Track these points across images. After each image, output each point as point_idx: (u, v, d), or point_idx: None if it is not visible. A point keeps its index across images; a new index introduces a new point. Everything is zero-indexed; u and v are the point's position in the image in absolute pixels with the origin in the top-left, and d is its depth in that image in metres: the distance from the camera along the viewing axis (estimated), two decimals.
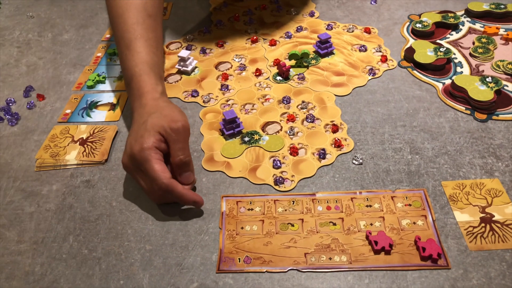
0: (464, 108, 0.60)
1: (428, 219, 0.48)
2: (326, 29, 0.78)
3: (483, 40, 0.70)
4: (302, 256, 0.46)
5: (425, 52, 0.68)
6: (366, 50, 0.72)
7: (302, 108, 0.62)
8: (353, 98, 0.64)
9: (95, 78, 0.70)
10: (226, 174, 0.55)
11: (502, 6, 0.76)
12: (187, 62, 0.69)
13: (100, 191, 0.54)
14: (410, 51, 0.69)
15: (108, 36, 0.81)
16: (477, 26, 0.75)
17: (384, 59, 0.69)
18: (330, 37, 0.70)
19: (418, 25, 0.74)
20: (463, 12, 0.79)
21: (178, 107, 0.54)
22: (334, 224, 0.48)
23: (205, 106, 0.64)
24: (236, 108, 0.63)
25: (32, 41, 0.82)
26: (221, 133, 0.60)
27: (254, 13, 0.83)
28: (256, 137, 0.59)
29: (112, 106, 0.66)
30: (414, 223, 0.48)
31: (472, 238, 0.46)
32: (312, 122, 0.60)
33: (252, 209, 0.50)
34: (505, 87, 0.62)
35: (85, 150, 0.58)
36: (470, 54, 0.69)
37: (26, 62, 0.77)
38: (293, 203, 0.51)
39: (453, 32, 0.74)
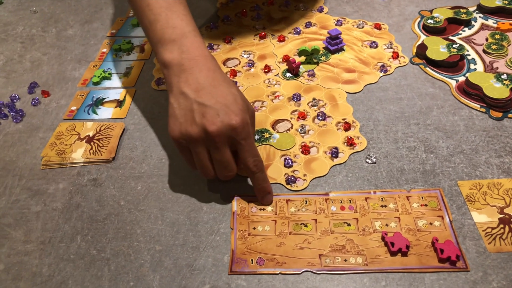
0: (479, 106, 0.59)
1: (445, 220, 0.47)
2: (336, 25, 0.76)
3: (497, 36, 0.69)
4: (317, 257, 0.44)
5: (438, 49, 0.67)
6: (377, 46, 0.71)
7: (313, 106, 0.61)
8: (365, 95, 0.63)
9: (101, 74, 0.69)
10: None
11: None
12: None
13: (107, 189, 0.53)
14: (422, 48, 0.68)
15: (113, 31, 0.80)
16: (490, 22, 0.74)
17: (395, 56, 0.68)
18: (340, 33, 0.68)
19: (429, 21, 0.73)
20: (475, 7, 0.77)
21: None
22: (349, 225, 0.47)
23: None
24: None
25: (36, 37, 0.81)
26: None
27: (262, 9, 0.82)
28: (266, 135, 0.57)
29: (119, 103, 0.64)
30: (431, 223, 0.47)
31: (491, 240, 0.45)
32: (324, 119, 0.59)
33: (264, 209, 0.49)
34: None
35: (91, 148, 0.57)
36: (483, 50, 0.68)
37: (30, 58, 0.75)
38: (306, 203, 0.49)
39: (465, 28, 0.73)
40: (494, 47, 0.67)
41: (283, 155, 0.55)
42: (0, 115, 0.63)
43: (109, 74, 0.69)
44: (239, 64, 0.70)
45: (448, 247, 0.43)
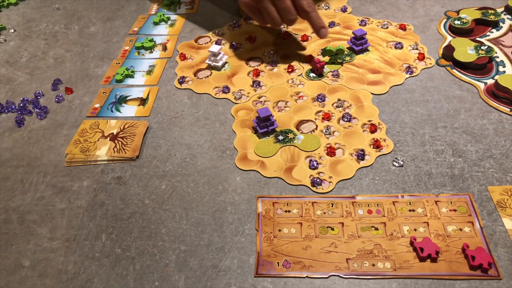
0: (508, 110, 0.58)
1: (475, 226, 0.46)
2: (360, 25, 0.75)
3: None
4: (344, 261, 0.44)
5: (466, 51, 0.65)
6: (402, 47, 0.69)
7: (337, 107, 0.60)
8: (391, 97, 0.62)
9: (124, 72, 0.69)
10: (261, 173, 0.53)
11: None
12: (218, 57, 0.68)
13: (132, 188, 0.53)
14: (449, 49, 0.67)
15: (135, 29, 0.80)
16: None
17: (421, 57, 0.67)
18: (365, 33, 0.67)
19: (456, 22, 0.71)
20: (502, 9, 0.75)
21: None
22: (376, 229, 0.46)
23: (237, 103, 0.63)
24: (268, 105, 0.62)
25: (59, 34, 0.81)
26: (254, 131, 0.58)
27: None
28: (290, 135, 0.57)
29: (142, 101, 0.64)
30: (461, 229, 0.46)
31: None
32: (349, 121, 0.58)
33: (289, 211, 0.49)
34: None
35: (115, 146, 0.57)
36: None
37: (53, 55, 0.76)
38: (332, 206, 0.49)
39: (493, 30, 0.71)
40: None
41: (308, 157, 0.54)
42: (25, 111, 0.64)
43: (132, 72, 0.69)
44: (262, 63, 0.69)
45: (479, 254, 0.42)
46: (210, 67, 0.69)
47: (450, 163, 0.52)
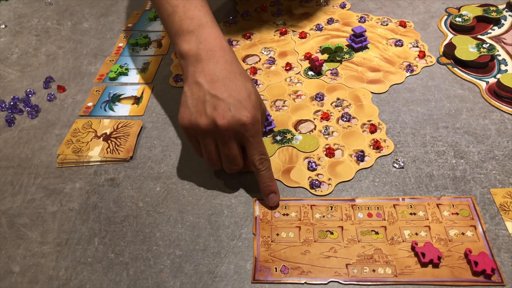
0: (511, 110, 0.57)
1: (478, 230, 0.45)
2: (359, 21, 0.74)
3: None
4: (343, 267, 0.43)
5: (467, 49, 0.64)
6: (402, 45, 0.68)
7: (336, 106, 0.59)
8: (391, 96, 0.60)
9: (118, 69, 0.67)
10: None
11: None
12: None
13: (125, 190, 0.51)
14: (450, 47, 0.65)
15: (130, 25, 0.78)
16: None
17: (422, 55, 0.65)
18: (365, 31, 0.66)
19: (458, 19, 0.70)
20: (504, 5, 0.74)
21: None
22: (377, 233, 0.45)
23: None
24: (266, 104, 0.60)
25: (51, 29, 0.79)
26: None
27: (282, 4, 0.79)
28: (288, 136, 0.55)
29: (136, 100, 0.63)
30: (463, 233, 0.45)
31: None
32: (348, 121, 0.57)
33: (287, 214, 0.47)
34: None
35: (109, 146, 0.55)
36: None
37: (45, 51, 0.74)
38: (331, 209, 0.47)
39: (495, 27, 0.70)
40: None
41: (307, 158, 0.53)
42: (15, 110, 0.62)
43: (126, 69, 0.67)
44: (259, 61, 0.67)
45: (483, 260, 0.41)
46: None
47: (452, 165, 0.51)
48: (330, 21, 0.74)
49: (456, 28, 0.70)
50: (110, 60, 0.70)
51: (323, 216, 0.47)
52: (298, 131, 0.56)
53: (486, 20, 0.71)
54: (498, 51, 0.65)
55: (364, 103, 0.59)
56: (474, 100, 0.59)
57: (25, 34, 0.78)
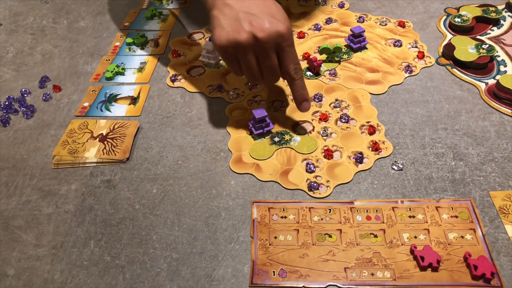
0: (510, 111, 0.56)
1: (477, 233, 0.44)
2: (358, 21, 0.73)
3: None
4: (342, 270, 0.42)
5: (466, 49, 0.64)
6: (401, 45, 0.68)
7: (335, 107, 0.59)
8: (390, 97, 0.60)
9: (114, 69, 0.66)
10: (256, 177, 0.51)
11: None
12: (213, 55, 0.65)
13: (121, 192, 0.51)
14: (449, 48, 0.65)
15: (126, 24, 0.77)
16: None
17: (421, 56, 0.65)
18: (364, 31, 0.65)
19: (457, 19, 0.70)
20: (503, 6, 0.74)
21: None
22: (375, 236, 0.45)
23: (232, 102, 0.61)
24: (264, 105, 0.60)
25: (46, 28, 0.78)
26: (250, 132, 0.56)
27: (280, 3, 0.78)
28: (286, 137, 0.55)
29: (133, 100, 0.62)
30: (462, 237, 0.44)
31: None
32: (347, 122, 0.56)
33: (285, 217, 0.47)
34: None
35: (105, 147, 0.55)
36: None
37: (41, 50, 0.73)
38: (329, 212, 0.47)
39: (494, 28, 0.70)
40: None
41: (305, 159, 0.52)
42: (10, 110, 0.61)
43: (122, 69, 0.67)
44: None
45: (482, 264, 0.41)
46: (204, 65, 0.67)
47: (451, 167, 0.51)
48: (329, 20, 0.73)
49: (455, 29, 0.70)
50: (106, 60, 0.69)
51: (322, 219, 0.46)
52: (297, 132, 0.56)
53: (485, 21, 0.71)
54: (497, 52, 0.65)
55: (362, 104, 0.59)
56: (473, 101, 0.59)
57: (21, 32, 0.77)
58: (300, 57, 0.67)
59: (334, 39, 0.70)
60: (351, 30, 0.66)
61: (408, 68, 0.63)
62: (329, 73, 0.63)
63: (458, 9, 0.73)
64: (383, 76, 0.63)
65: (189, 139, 0.56)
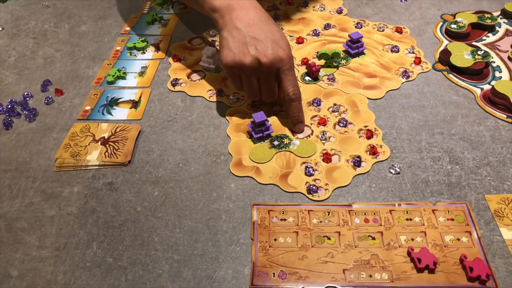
0: (505, 116, 0.57)
1: (473, 236, 0.45)
2: (355, 27, 0.74)
3: None
4: (341, 272, 0.43)
5: (462, 55, 0.65)
6: (398, 51, 0.69)
7: (333, 111, 0.60)
8: (387, 102, 0.61)
9: (116, 73, 0.67)
10: (256, 180, 0.52)
11: None
12: (213, 59, 0.66)
13: (123, 194, 0.51)
14: (445, 54, 0.66)
15: (127, 29, 0.78)
16: None
17: (417, 61, 0.66)
18: (362, 37, 0.67)
19: (453, 25, 0.71)
20: (499, 13, 0.75)
21: None
22: (373, 238, 0.46)
23: (232, 106, 0.61)
24: (263, 109, 0.61)
25: (48, 32, 0.79)
26: (249, 136, 0.57)
27: (279, 9, 0.80)
28: (286, 141, 0.56)
29: (134, 104, 0.63)
30: (458, 239, 0.45)
31: None
32: (345, 126, 0.57)
33: (285, 219, 0.48)
34: None
35: (107, 150, 0.56)
36: (508, 58, 0.66)
37: (42, 54, 0.74)
38: (328, 214, 0.48)
39: (489, 34, 0.71)
40: None
41: (304, 163, 0.53)
42: (13, 113, 0.62)
43: (123, 73, 0.68)
44: None
45: (478, 266, 0.42)
46: (204, 69, 0.68)
47: (447, 171, 0.52)
48: (327, 26, 0.75)
49: (451, 35, 0.71)
50: (108, 64, 0.70)
51: (320, 221, 0.47)
52: (296, 136, 0.56)
53: (481, 27, 0.72)
54: (492, 58, 0.66)
55: (360, 108, 0.60)
56: (469, 106, 0.60)
57: (23, 36, 0.78)
58: (299, 62, 0.68)
59: (333, 44, 0.71)
60: (349, 35, 0.67)
61: (405, 74, 0.64)
62: (328, 78, 0.65)
63: (454, 16, 0.75)
64: (380, 81, 0.64)
65: (189, 142, 0.57)
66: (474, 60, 0.64)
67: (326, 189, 0.50)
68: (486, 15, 0.72)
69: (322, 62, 0.67)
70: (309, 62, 0.65)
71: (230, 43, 0.53)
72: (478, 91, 0.61)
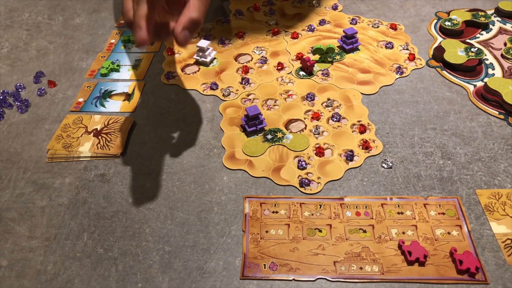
0: (497, 113, 0.58)
1: (463, 230, 0.46)
2: (350, 23, 0.74)
3: None
4: (331, 264, 0.43)
5: (456, 52, 0.65)
6: (392, 47, 0.69)
7: (327, 106, 0.60)
8: (380, 97, 0.61)
9: (109, 66, 0.67)
10: (249, 173, 0.52)
11: None
12: (206, 53, 0.66)
13: (115, 186, 0.51)
14: (439, 50, 0.66)
15: (122, 22, 0.78)
16: (508, 26, 0.72)
17: (411, 58, 0.66)
18: (356, 32, 0.67)
19: (447, 23, 0.71)
20: (492, 11, 0.75)
21: None
22: (364, 231, 0.46)
23: (225, 100, 0.61)
24: (257, 103, 0.61)
25: (42, 24, 0.79)
26: (243, 129, 0.57)
27: (274, 4, 0.80)
28: (279, 135, 0.56)
29: (127, 96, 0.63)
30: (449, 233, 0.45)
31: (510, 252, 0.44)
32: (338, 121, 0.57)
33: (277, 212, 0.48)
34: None
35: (99, 142, 0.55)
36: (501, 55, 0.66)
37: (36, 46, 0.73)
38: (320, 207, 0.48)
39: (483, 32, 0.71)
40: None
41: (297, 157, 0.53)
42: (5, 104, 0.61)
43: (117, 66, 0.67)
44: (251, 60, 0.68)
45: (467, 259, 0.42)
46: (198, 63, 0.68)
47: (439, 166, 0.52)
48: (322, 22, 0.75)
49: (446, 32, 0.71)
50: (101, 56, 0.70)
51: (312, 214, 0.47)
52: (289, 130, 0.57)
53: (475, 25, 0.72)
54: (486, 55, 0.66)
55: (354, 103, 0.60)
56: (462, 102, 0.60)
57: (16, 28, 0.78)
58: (293, 57, 0.68)
59: (327, 40, 0.71)
60: (344, 31, 0.67)
61: (399, 70, 0.65)
62: (322, 73, 0.65)
63: (448, 13, 0.75)
64: (374, 77, 0.64)
65: (183, 135, 0.57)
66: (468, 57, 0.64)
67: (318, 183, 0.50)
68: (480, 13, 0.73)
69: (317, 57, 0.67)
70: (304, 57, 0.65)
71: None
72: (471, 88, 0.61)
